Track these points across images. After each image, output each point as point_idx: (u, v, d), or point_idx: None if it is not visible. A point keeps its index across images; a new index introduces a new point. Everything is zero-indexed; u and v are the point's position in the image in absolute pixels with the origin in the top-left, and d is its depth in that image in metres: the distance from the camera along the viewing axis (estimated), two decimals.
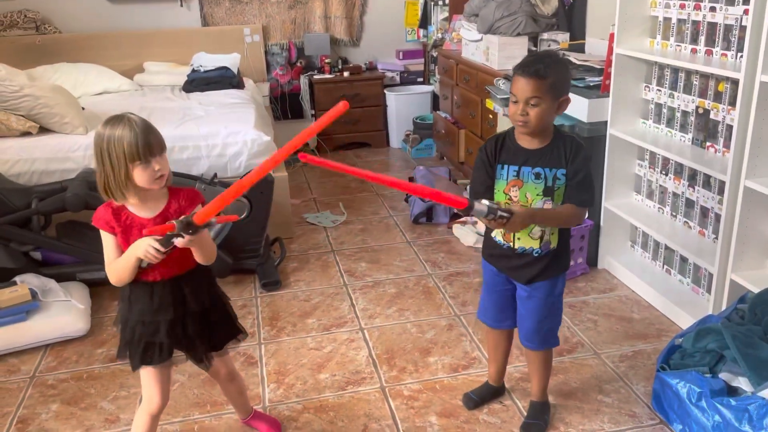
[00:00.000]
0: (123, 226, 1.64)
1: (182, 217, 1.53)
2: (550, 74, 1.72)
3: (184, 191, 1.72)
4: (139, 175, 1.58)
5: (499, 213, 1.65)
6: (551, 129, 1.83)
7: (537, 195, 1.82)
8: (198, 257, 1.66)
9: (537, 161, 1.81)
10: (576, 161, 1.79)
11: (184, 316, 1.74)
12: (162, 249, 1.54)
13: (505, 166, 1.84)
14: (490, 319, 2.13)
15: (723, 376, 1.99)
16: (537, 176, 1.81)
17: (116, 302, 2.98)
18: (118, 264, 1.63)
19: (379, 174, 1.50)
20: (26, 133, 3.38)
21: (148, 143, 1.57)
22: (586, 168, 1.80)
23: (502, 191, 1.85)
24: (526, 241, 1.88)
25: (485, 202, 1.65)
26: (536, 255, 1.89)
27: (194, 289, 1.74)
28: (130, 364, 1.75)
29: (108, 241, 1.65)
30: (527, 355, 2.12)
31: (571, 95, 3.00)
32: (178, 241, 1.53)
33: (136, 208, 1.65)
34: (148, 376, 1.77)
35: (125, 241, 1.64)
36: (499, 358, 2.20)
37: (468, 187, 4.08)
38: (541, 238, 1.87)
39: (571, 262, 2.72)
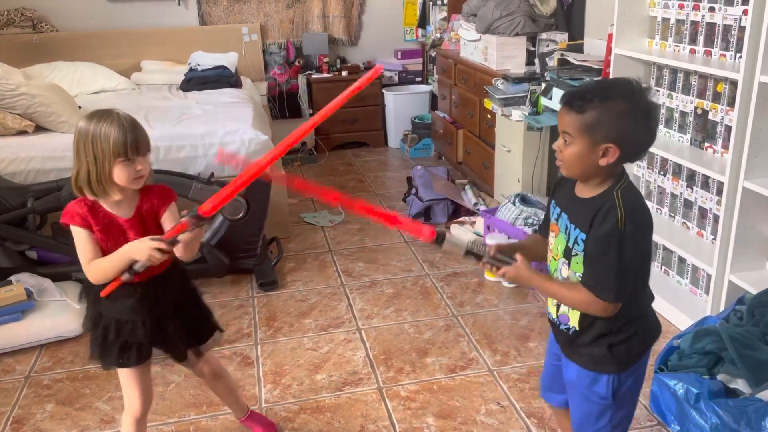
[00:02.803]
0: (101, 223, 1.60)
1: (189, 212, 1.49)
2: (589, 110, 1.33)
3: (156, 189, 1.68)
4: (119, 172, 1.54)
5: (487, 259, 1.44)
6: (606, 178, 1.39)
7: (562, 252, 1.46)
8: (186, 254, 1.62)
9: (572, 212, 1.44)
10: (599, 229, 1.35)
11: (162, 314, 1.72)
12: (167, 250, 1.52)
13: (554, 205, 1.52)
14: (541, 387, 1.79)
15: (721, 377, 1.98)
16: (566, 230, 1.45)
17: None
18: (107, 264, 1.58)
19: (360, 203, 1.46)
20: (22, 132, 3.37)
21: (136, 141, 1.54)
22: (610, 244, 1.33)
23: (550, 228, 1.54)
24: (550, 301, 1.56)
25: (465, 238, 1.44)
26: (552, 320, 1.56)
27: (171, 286, 1.72)
28: (101, 364, 1.73)
29: (83, 237, 1.59)
30: None
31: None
32: (183, 237, 1.51)
33: (110, 205, 1.61)
34: (126, 378, 1.74)
35: (105, 239, 1.60)
36: None
37: (466, 188, 4.09)
38: (558, 306, 1.52)
39: None
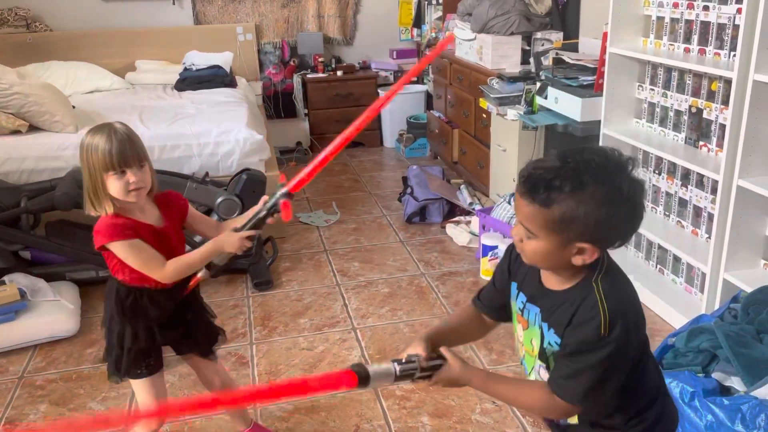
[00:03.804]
0: (145, 232, 1.61)
1: (282, 191, 1.52)
2: (556, 203, 1.03)
3: (171, 195, 1.72)
4: (112, 186, 1.55)
5: (419, 374, 1.16)
6: (581, 270, 1.12)
7: (538, 351, 1.21)
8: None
9: (544, 308, 1.18)
10: (575, 334, 1.10)
11: (176, 319, 1.74)
12: (255, 236, 1.58)
13: (516, 289, 1.25)
14: None
15: (716, 375, 1.98)
16: (539, 326, 1.19)
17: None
18: (194, 259, 1.62)
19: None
20: (16, 132, 3.35)
21: (123, 154, 1.53)
22: (585, 352, 1.09)
23: (516, 318, 1.28)
24: None
25: (389, 371, 1.14)
26: (548, 421, 1.33)
27: (187, 295, 1.75)
28: (128, 375, 1.72)
29: (140, 245, 1.58)
30: None
31: (563, 94, 3.10)
32: (271, 220, 1.55)
33: (138, 217, 1.62)
34: (142, 388, 1.73)
35: (157, 247, 1.62)
36: None
37: (462, 187, 4.09)
38: None
39: None
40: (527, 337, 1.22)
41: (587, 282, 1.11)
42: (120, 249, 1.57)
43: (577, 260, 1.08)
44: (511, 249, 1.28)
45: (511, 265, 1.27)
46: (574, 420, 1.22)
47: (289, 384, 1.23)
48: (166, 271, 1.60)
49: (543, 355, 1.19)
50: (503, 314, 1.32)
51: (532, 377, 1.26)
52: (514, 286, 1.25)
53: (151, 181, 1.62)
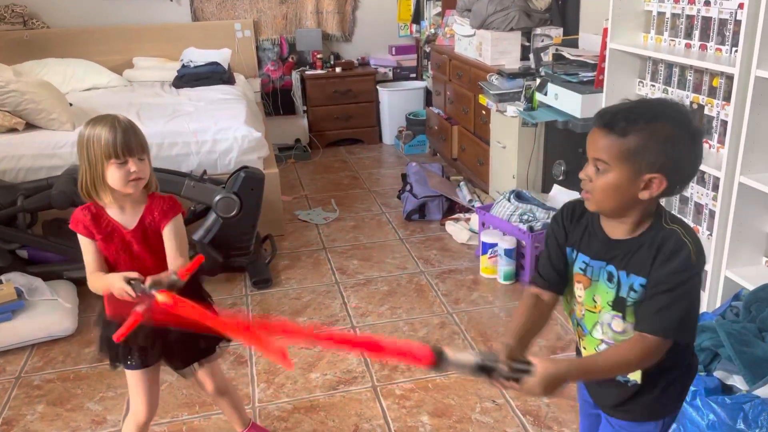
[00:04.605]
0: (104, 232, 1.60)
1: (171, 280, 1.48)
2: (632, 133, 1.15)
3: (161, 201, 1.65)
4: (113, 174, 1.54)
5: (500, 373, 1.15)
6: (647, 213, 1.22)
7: (607, 303, 1.26)
8: None
9: (614, 256, 1.24)
10: (665, 268, 1.18)
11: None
12: (134, 295, 1.49)
13: (575, 252, 1.31)
14: None
15: (717, 374, 1.97)
16: (610, 277, 1.25)
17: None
18: (101, 283, 1.57)
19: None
20: (12, 130, 3.33)
21: (127, 142, 1.53)
22: (679, 282, 1.17)
23: (573, 282, 1.33)
24: (589, 345, 1.35)
25: (469, 357, 1.15)
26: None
27: (185, 295, 1.70)
28: (109, 362, 1.72)
29: (87, 246, 1.60)
30: None
31: (563, 90, 3.07)
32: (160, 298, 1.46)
33: (115, 213, 1.61)
34: (132, 382, 1.73)
35: (107, 248, 1.61)
36: None
37: (461, 184, 4.07)
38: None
39: None
40: (589, 294, 1.28)
41: (659, 224, 1.21)
42: (79, 240, 1.61)
43: (644, 194, 1.17)
44: (559, 214, 1.34)
45: (566, 229, 1.33)
46: (638, 377, 1.27)
47: (366, 340, 1.30)
48: (89, 279, 1.60)
49: (620, 304, 1.24)
50: (562, 285, 1.35)
51: (595, 334, 1.30)
52: (569, 250, 1.32)
53: (149, 177, 1.61)
